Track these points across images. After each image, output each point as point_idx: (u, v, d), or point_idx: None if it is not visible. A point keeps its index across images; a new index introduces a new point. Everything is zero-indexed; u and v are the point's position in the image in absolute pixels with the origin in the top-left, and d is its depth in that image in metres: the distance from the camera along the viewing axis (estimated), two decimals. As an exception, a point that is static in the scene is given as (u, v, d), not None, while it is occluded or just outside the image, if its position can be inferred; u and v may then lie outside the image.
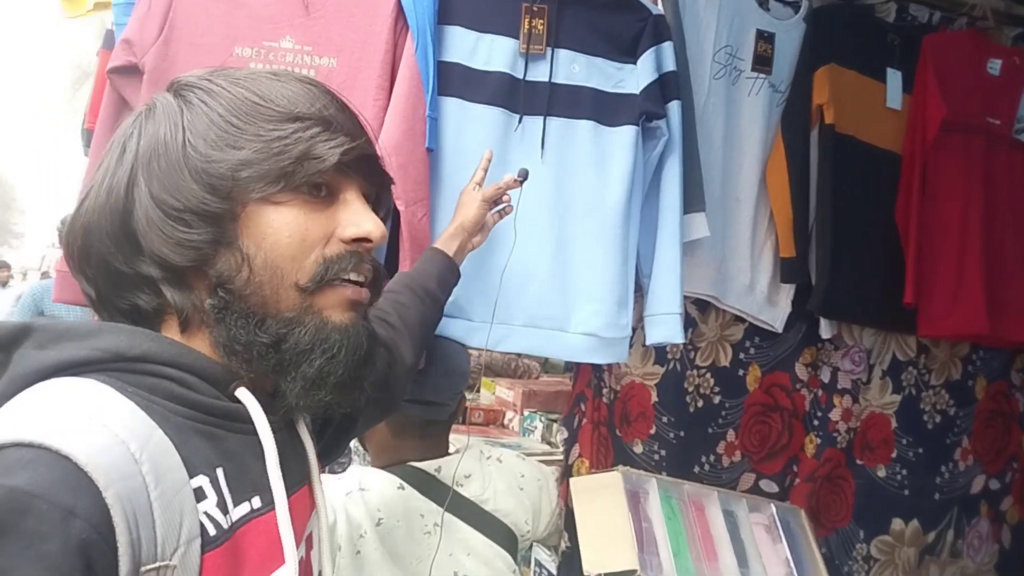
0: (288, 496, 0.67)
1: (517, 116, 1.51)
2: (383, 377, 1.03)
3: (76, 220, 0.69)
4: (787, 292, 1.78)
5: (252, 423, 0.66)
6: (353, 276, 0.68)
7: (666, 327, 1.50)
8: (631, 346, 1.66)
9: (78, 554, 0.49)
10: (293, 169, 0.65)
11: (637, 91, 1.53)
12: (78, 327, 0.62)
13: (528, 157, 1.51)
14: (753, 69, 1.75)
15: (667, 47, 1.56)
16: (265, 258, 0.65)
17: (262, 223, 0.65)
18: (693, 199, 1.58)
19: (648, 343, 1.52)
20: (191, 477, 0.59)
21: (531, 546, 1.85)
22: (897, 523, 1.87)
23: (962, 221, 1.83)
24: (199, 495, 0.60)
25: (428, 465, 1.36)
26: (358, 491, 1.30)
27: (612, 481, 1.46)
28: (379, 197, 0.76)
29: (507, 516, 1.42)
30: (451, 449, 1.46)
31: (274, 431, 0.67)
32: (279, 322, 0.65)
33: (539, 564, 1.95)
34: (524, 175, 1.34)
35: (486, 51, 1.51)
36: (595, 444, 1.63)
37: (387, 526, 1.28)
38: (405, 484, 1.33)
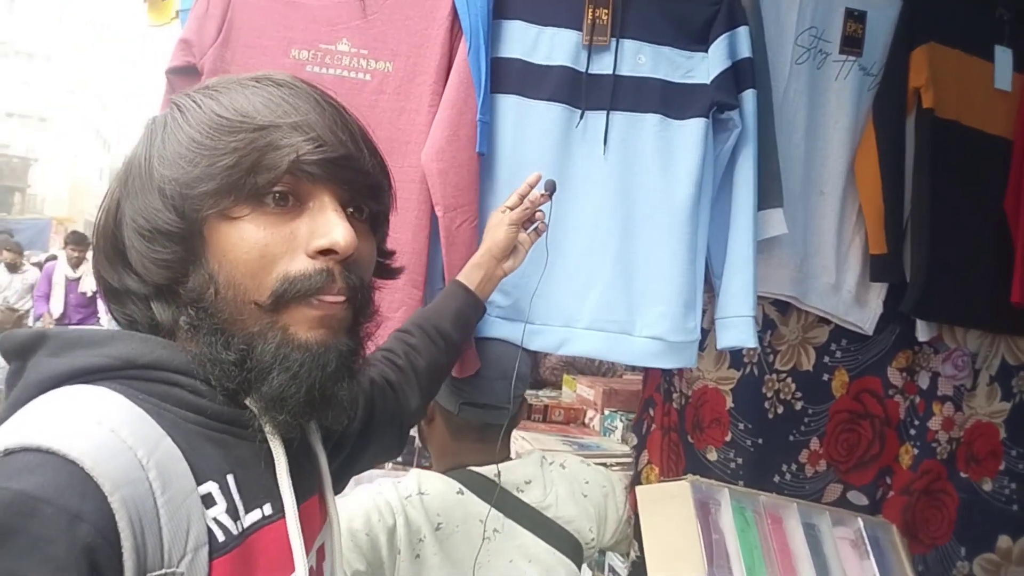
0: (298, 505, 0.68)
1: (579, 112, 1.46)
2: (389, 417, 1.02)
3: (94, 239, 0.71)
4: (878, 291, 1.65)
5: (262, 431, 0.66)
6: (325, 298, 0.65)
7: (738, 330, 1.42)
8: (703, 349, 1.59)
9: (83, 557, 0.49)
10: (243, 180, 0.63)
11: (708, 81, 1.45)
12: (91, 335, 0.64)
13: (590, 155, 1.47)
14: (841, 51, 1.63)
15: (742, 32, 1.48)
16: (227, 276, 0.64)
17: (222, 239, 0.64)
18: (769, 194, 1.49)
19: (720, 347, 1.44)
20: (200, 483, 0.60)
21: (604, 552, 1.81)
22: (1004, 540, 1.71)
23: (1082, 211, 1.64)
24: (208, 501, 0.60)
25: (488, 470, 1.34)
26: (417, 495, 1.30)
27: (680, 491, 1.40)
28: (364, 203, 0.70)
29: (569, 523, 1.39)
30: (513, 454, 1.44)
31: (285, 440, 0.67)
32: (243, 338, 0.64)
33: (612, 571, 1.90)
34: (552, 188, 1.28)
35: (547, 45, 1.47)
36: (665, 451, 1.57)
37: (446, 531, 1.28)
38: (464, 489, 1.32)
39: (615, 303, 1.45)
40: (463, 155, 1.38)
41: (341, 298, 0.66)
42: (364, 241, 0.70)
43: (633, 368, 3.47)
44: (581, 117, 1.47)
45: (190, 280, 0.65)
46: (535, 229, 1.32)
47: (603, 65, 1.47)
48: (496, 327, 1.45)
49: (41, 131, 27.82)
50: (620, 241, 1.46)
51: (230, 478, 0.63)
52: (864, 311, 1.65)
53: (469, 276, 1.24)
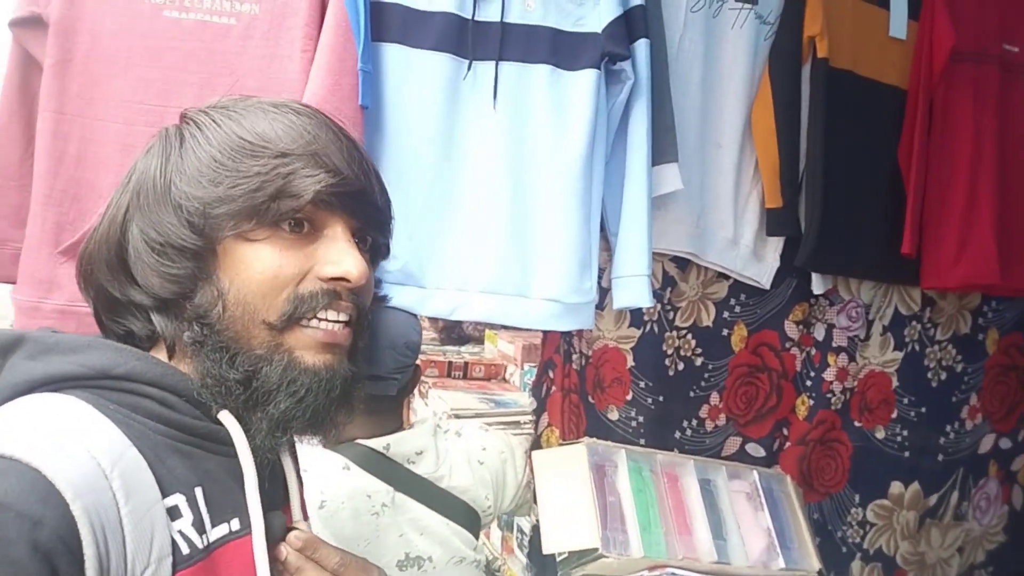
0: (265, 518, 0.69)
1: (466, 62, 1.37)
2: None
3: (86, 245, 0.72)
4: (775, 245, 1.64)
5: (233, 445, 0.67)
6: (329, 315, 0.67)
7: (633, 290, 1.38)
8: (603, 309, 1.56)
9: (44, 562, 0.51)
10: (267, 206, 0.65)
11: (599, 30, 1.39)
12: (68, 341, 0.65)
13: (480, 108, 1.39)
14: (738, -1, 1.59)
15: (634, -22, 1.41)
16: (237, 294, 0.66)
17: (237, 259, 0.66)
18: (664, 149, 1.44)
19: (616, 307, 1.41)
20: (167, 495, 0.61)
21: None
22: (896, 486, 1.76)
23: (973, 161, 1.67)
24: (174, 513, 0.62)
25: (376, 443, 1.28)
26: (299, 473, 1.23)
27: (575, 454, 1.38)
28: (371, 234, 0.73)
29: (464, 493, 1.35)
30: (408, 425, 1.38)
31: (256, 456, 0.68)
32: (249, 359, 0.66)
33: (520, 530, 1.89)
34: None
35: None
36: (566, 413, 1.54)
37: (329, 508, 1.22)
38: (350, 464, 1.26)
39: (509, 264, 1.40)
40: (347, 107, 1.27)
41: (345, 318, 0.68)
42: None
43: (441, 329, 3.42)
44: (469, 68, 1.38)
45: (197, 296, 0.67)
46: None
47: (490, 12, 1.38)
48: (386, 292, 1.37)
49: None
50: (512, 199, 1.39)
51: (198, 491, 0.64)
52: (761, 265, 1.64)
53: None
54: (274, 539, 0.72)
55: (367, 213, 0.71)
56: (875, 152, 1.67)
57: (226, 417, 0.67)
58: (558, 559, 1.35)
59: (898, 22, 1.69)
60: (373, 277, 0.75)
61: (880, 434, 1.74)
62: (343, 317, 0.68)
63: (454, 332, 3.55)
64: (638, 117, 1.41)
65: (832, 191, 1.58)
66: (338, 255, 0.67)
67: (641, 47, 1.41)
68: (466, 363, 3.12)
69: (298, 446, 0.93)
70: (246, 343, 0.66)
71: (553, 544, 1.30)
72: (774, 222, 1.59)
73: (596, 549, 1.28)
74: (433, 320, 3.14)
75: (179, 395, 0.66)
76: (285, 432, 0.67)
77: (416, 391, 2.86)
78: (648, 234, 1.38)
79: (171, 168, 0.68)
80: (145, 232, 0.67)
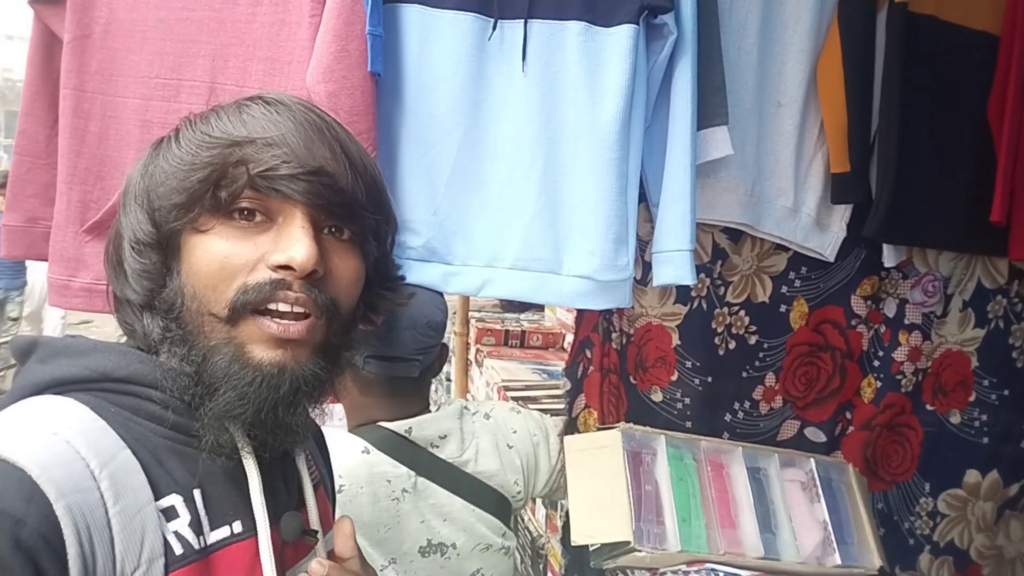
0: (275, 523, 0.69)
1: (492, 21, 1.27)
2: None
3: (106, 247, 0.74)
4: (841, 213, 1.49)
5: (236, 450, 0.67)
6: (280, 307, 0.65)
7: (674, 266, 1.27)
8: (645, 284, 1.46)
9: (26, 560, 0.52)
10: (211, 193, 0.65)
11: None
12: (77, 344, 0.67)
13: (507, 71, 1.29)
14: (802, -66, 1.41)
15: (681, -80, 1.27)
16: (192, 287, 0.66)
17: (190, 251, 0.67)
18: (711, 111, 1.31)
19: (655, 284, 1.30)
20: (162, 496, 0.62)
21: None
22: (972, 475, 1.60)
23: (1077, 117, 1.45)
24: (170, 514, 0.63)
25: (398, 426, 1.25)
26: (317, 456, 1.21)
27: (610, 440, 1.30)
28: (340, 224, 0.70)
29: (492, 478, 1.31)
30: (434, 407, 1.34)
31: (265, 457, 0.69)
32: (200, 352, 0.66)
33: (565, 509, 1.84)
34: None
35: None
36: (605, 394, 1.46)
37: (348, 493, 1.19)
38: (370, 447, 1.23)
39: (540, 239, 1.31)
40: (355, 75, 1.19)
41: (300, 309, 0.66)
42: (341, 260, 0.70)
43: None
44: (495, 28, 1.28)
45: (165, 291, 0.68)
46: None
47: None
48: (408, 270, 1.31)
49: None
50: (544, 169, 1.30)
51: (196, 493, 0.65)
52: (825, 235, 1.49)
53: None
54: (289, 540, 0.72)
55: (328, 199, 0.67)
56: (960, 108, 1.47)
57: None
58: (591, 549, 1.29)
59: (993, -44, 1.47)
60: (354, 268, 0.72)
61: (955, 419, 1.58)
62: (297, 309, 0.66)
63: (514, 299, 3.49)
64: (682, 76, 1.27)
65: (908, 153, 1.41)
66: (287, 241, 0.65)
67: (687, -4, 1.27)
68: (523, 331, 3.07)
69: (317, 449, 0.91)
70: (202, 336, 0.66)
71: (582, 536, 1.24)
72: (840, 188, 1.44)
73: (628, 542, 1.21)
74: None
75: (180, 397, 0.66)
76: (227, 429, 0.65)
77: (473, 359, 2.85)
78: (691, 205, 1.27)
79: (148, 170, 0.70)
80: (125, 231, 0.70)
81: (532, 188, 1.30)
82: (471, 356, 2.83)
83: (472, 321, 2.90)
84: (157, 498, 0.62)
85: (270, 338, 0.65)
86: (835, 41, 1.42)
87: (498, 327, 3.09)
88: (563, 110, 1.28)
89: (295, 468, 0.77)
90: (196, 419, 0.66)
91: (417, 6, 1.26)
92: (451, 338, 2.41)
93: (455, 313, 2.41)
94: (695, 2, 1.27)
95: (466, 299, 2.59)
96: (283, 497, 0.74)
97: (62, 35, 1.26)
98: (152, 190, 0.68)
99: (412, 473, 1.23)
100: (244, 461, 0.68)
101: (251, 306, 0.65)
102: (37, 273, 5.43)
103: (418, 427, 1.25)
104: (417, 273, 1.30)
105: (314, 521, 0.77)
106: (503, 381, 2.29)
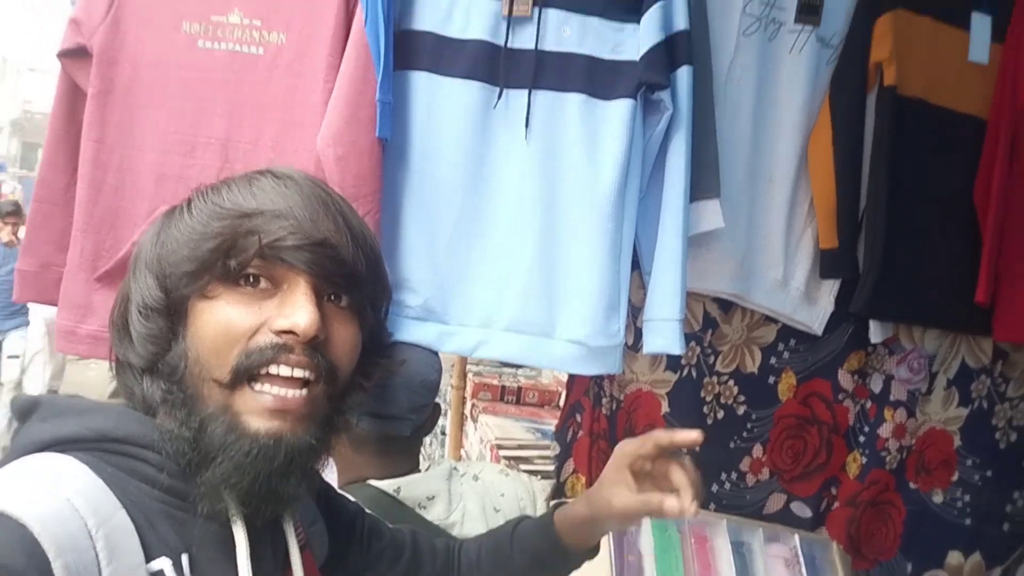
0: None
1: (497, 90, 1.33)
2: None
3: (111, 314, 0.76)
4: (830, 288, 1.52)
5: (227, 515, 0.67)
6: (282, 371, 0.66)
7: (663, 335, 1.30)
8: (637, 350, 1.48)
9: None
10: (220, 261, 0.67)
11: (637, 57, 1.32)
12: (78, 404, 0.69)
13: (511, 138, 1.34)
14: (797, 20, 1.47)
15: (678, 1, 1.33)
16: (196, 351, 0.67)
17: (196, 316, 0.68)
18: (704, 184, 1.36)
19: (645, 351, 1.33)
20: (152, 559, 0.62)
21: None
22: (955, 556, 1.60)
23: (1060, 202, 1.50)
24: None
25: (387, 484, 1.25)
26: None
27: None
28: (340, 292, 0.72)
29: (477, 540, 1.30)
30: (424, 464, 1.35)
31: (253, 523, 0.69)
32: (199, 418, 0.67)
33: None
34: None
35: (463, 16, 1.33)
36: (594, 460, 1.47)
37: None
38: (359, 504, 1.23)
39: (535, 302, 1.34)
40: (364, 140, 1.25)
41: (300, 374, 0.67)
42: (341, 326, 0.71)
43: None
44: (500, 96, 1.34)
45: (169, 355, 0.69)
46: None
47: (525, 39, 1.33)
48: (405, 329, 1.34)
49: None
50: (541, 234, 1.34)
51: (184, 557, 0.65)
52: (813, 309, 1.53)
53: (574, 527, 0.96)
54: None
55: (330, 268, 0.69)
56: (946, 188, 1.53)
57: None
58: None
59: (979, 45, 1.54)
60: (352, 335, 0.73)
61: (938, 498, 1.59)
62: (298, 373, 0.67)
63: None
64: (676, 150, 1.33)
65: (895, 232, 1.46)
66: (291, 308, 0.67)
67: (683, 75, 1.32)
68: (520, 387, 3.07)
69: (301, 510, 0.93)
70: (201, 402, 0.67)
71: (563, 602, 1.24)
72: (829, 264, 1.48)
73: (609, 611, 1.21)
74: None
75: (175, 460, 0.67)
76: (221, 499, 0.66)
77: (468, 414, 2.85)
78: (682, 276, 1.30)
79: (160, 238, 0.72)
80: (133, 297, 0.71)
81: (528, 252, 1.33)
82: (467, 411, 2.83)
83: (469, 375, 2.91)
84: (147, 560, 0.62)
85: (265, 409, 0.66)
86: (826, 121, 1.48)
87: (495, 382, 3.10)
88: (562, 178, 1.33)
89: (283, 532, 0.77)
90: (190, 483, 0.66)
91: (426, 73, 1.32)
92: (448, 391, 2.42)
93: (452, 366, 2.42)
94: (691, 80, 1.33)
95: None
96: (269, 565, 0.74)
97: (87, 88, 1.32)
98: (164, 257, 0.70)
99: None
100: (234, 528, 0.68)
101: (253, 368, 0.66)
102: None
103: (407, 487, 1.26)
104: (414, 332, 1.33)
105: None
106: (496, 439, 2.30)
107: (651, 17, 1.31)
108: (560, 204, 1.34)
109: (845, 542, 1.53)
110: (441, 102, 1.33)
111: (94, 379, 5.32)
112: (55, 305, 1.38)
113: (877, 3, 1.48)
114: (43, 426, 0.66)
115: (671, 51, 1.32)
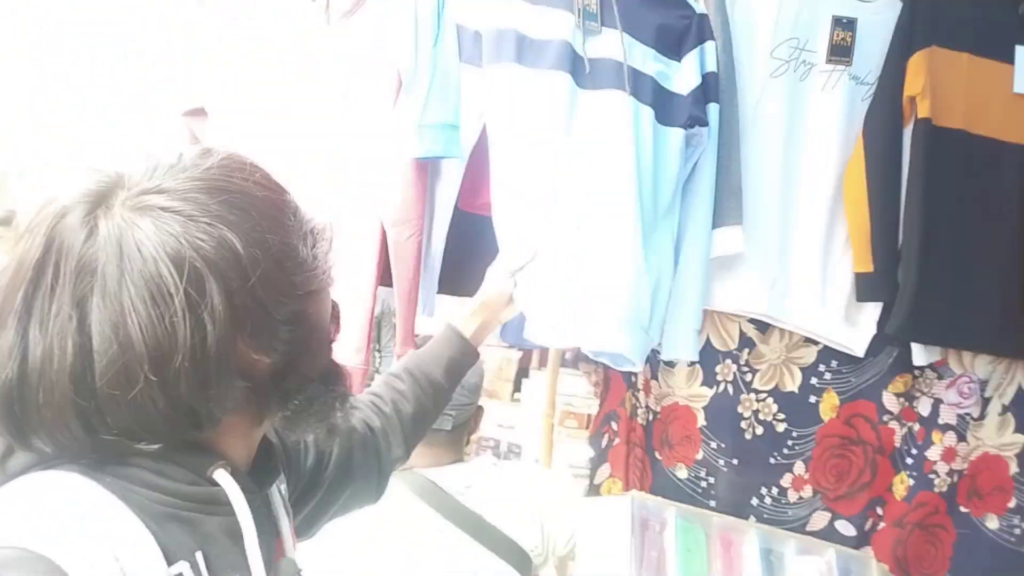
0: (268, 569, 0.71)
1: (582, 88, 1.40)
2: (368, 465, 1.04)
3: None
4: (871, 311, 1.56)
5: (230, 504, 0.68)
6: None
7: (679, 342, 1.42)
8: (673, 366, 1.58)
9: None
10: None
11: (684, 93, 1.45)
12: None
13: (593, 135, 1.40)
14: (828, 61, 1.56)
15: (709, 47, 1.48)
16: None
17: None
18: (726, 211, 1.47)
19: (663, 357, 1.44)
20: (171, 564, 0.63)
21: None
22: (1008, 582, 1.54)
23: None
24: None
25: (431, 472, 1.42)
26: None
27: (619, 506, 1.41)
28: None
29: (510, 530, 1.43)
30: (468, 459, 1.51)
31: (251, 509, 0.70)
32: None
33: None
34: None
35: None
36: (630, 467, 1.57)
37: (386, 531, 1.36)
38: (407, 489, 1.41)
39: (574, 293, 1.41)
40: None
41: None
42: None
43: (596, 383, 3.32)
44: (581, 88, 1.40)
45: None
46: None
47: (600, 50, 1.42)
48: None
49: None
50: (590, 237, 1.39)
51: (199, 555, 0.66)
52: (854, 332, 1.56)
53: (467, 323, 1.23)
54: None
55: None
56: (994, 214, 1.53)
57: (222, 476, 0.68)
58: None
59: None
60: None
61: (992, 524, 1.54)
62: None
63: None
64: (703, 179, 1.46)
65: (933, 259, 1.48)
66: None
67: (711, 111, 1.46)
68: (589, 415, 3.12)
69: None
70: None
71: (587, 591, 1.34)
72: (864, 287, 1.52)
73: (627, 596, 1.30)
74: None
75: (172, 462, 0.66)
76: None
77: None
78: (701, 290, 1.42)
79: None
80: None
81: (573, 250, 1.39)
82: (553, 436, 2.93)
83: (560, 405, 3.02)
84: (168, 565, 0.62)
85: None
86: (859, 152, 1.55)
87: (583, 411, 3.18)
88: (630, 183, 1.38)
89: (273, 512, 0.81)
90: (197, 483, 0.68)
91: (513, 64, 1.39)
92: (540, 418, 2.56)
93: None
94: (717, 117, 1.45)
95: (554, 383, 2.74)
96: (267, 543, 0.75)
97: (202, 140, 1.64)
98: None
99: (438, 515, 1.39)
100: (240, 518, 0.69)
101: None
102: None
103: (447, 475, 1.42)
104: None
105: (289, 549, 0.81)
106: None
107: (690, 60, 1.46)
108: (626, 209, 1.38)
109: (892, 563, 1.52)
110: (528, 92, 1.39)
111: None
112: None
113: (910, 42, 1.53)
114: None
115: (705, 90, 1.45)
